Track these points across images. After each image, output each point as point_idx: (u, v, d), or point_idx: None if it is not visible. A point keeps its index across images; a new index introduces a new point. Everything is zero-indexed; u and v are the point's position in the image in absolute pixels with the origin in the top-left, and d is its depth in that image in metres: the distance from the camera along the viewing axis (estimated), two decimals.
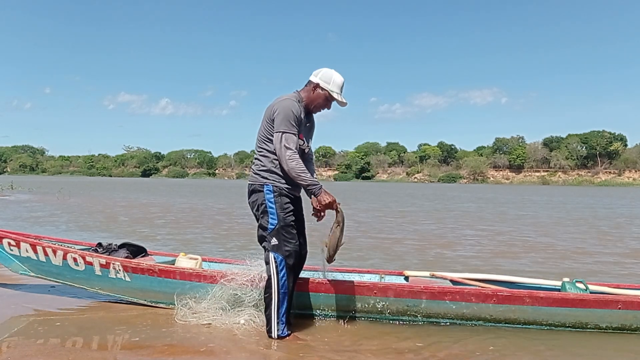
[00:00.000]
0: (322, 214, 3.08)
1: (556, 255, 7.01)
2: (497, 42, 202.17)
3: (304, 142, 3.13)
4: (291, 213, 3.07)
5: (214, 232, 9.14)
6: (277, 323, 2.99)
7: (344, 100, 3.15)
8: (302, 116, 3.09)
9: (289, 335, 3.02)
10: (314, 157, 3.39)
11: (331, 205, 3.01)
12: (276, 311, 2.99)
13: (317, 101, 3.14)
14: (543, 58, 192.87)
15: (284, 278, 2.99)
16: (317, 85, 3.11)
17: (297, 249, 3.06)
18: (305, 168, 2.99)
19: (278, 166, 3.04)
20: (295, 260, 3.04)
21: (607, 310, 3.23)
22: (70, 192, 24.41)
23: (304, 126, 3.14)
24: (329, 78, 3.11)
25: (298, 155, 2.97)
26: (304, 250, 3.26)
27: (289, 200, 3.07)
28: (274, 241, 3.00)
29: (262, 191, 3.05)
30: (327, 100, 3.14)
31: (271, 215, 3.02)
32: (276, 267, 2.99)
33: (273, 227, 3.01)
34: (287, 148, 2.94)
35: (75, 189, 29.76)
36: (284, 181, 3.05)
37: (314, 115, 3.27)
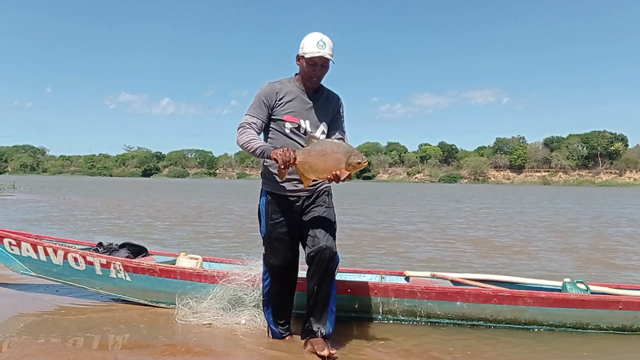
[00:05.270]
0: (284, 170, 2.62)
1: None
2: (498, 42, 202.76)
3: (298, 125, 2.82)
4: (281, 224, 2.87)
5: (215, 232, 9.13)
6: (268, 327, 3.04)
7: (317, 51, 2.75)
8: (283, 95, 2.83)
9: (288, 335, 3.02)
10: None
11: (288, 157, 2.54)
12: (265, 315, 3.05)
13: (303, 71, 2.86)
14: (544, 58, 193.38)
15: (267, 287, 2.99)
16: (297, 58, 2.87)
17: (281, 264, 2.90)
18: (253, 137, 2.72)
19: (268, 168, 2.90)
20: (277, 272, 2.93)
21: (608, 310, 3.22)
22: (71, 192, 24.43)
23: (301, 107, 2.85)
24: (301, 44, 2.83)
25: (247, 127, 2.76)
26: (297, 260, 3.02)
27: (279, 210, 2.86)
28: (264, 249, 2.98)
29: (261, 195, 3.01)
30: (308, 65, 2.80)
31: (262, 223, 2.97)
32: (263, 273, 3.03)
33: (263, 235, 2.99)
34: (238, 127, 2.79)
35: (76, 189, 29.75)
36: (277, 186, 2.87)
37: (329, 95, 2.98)
